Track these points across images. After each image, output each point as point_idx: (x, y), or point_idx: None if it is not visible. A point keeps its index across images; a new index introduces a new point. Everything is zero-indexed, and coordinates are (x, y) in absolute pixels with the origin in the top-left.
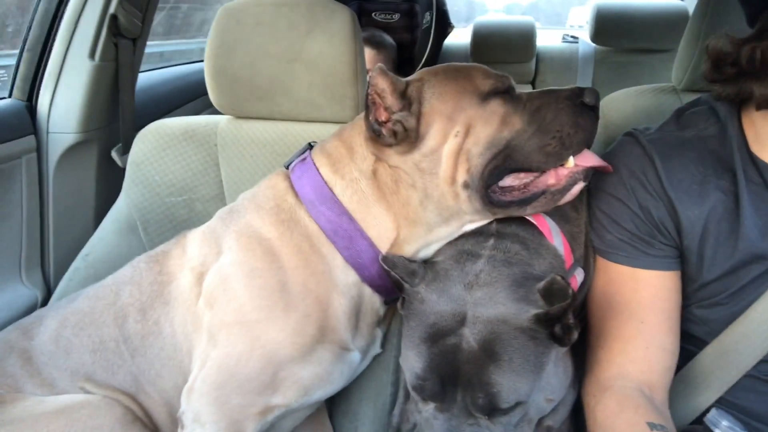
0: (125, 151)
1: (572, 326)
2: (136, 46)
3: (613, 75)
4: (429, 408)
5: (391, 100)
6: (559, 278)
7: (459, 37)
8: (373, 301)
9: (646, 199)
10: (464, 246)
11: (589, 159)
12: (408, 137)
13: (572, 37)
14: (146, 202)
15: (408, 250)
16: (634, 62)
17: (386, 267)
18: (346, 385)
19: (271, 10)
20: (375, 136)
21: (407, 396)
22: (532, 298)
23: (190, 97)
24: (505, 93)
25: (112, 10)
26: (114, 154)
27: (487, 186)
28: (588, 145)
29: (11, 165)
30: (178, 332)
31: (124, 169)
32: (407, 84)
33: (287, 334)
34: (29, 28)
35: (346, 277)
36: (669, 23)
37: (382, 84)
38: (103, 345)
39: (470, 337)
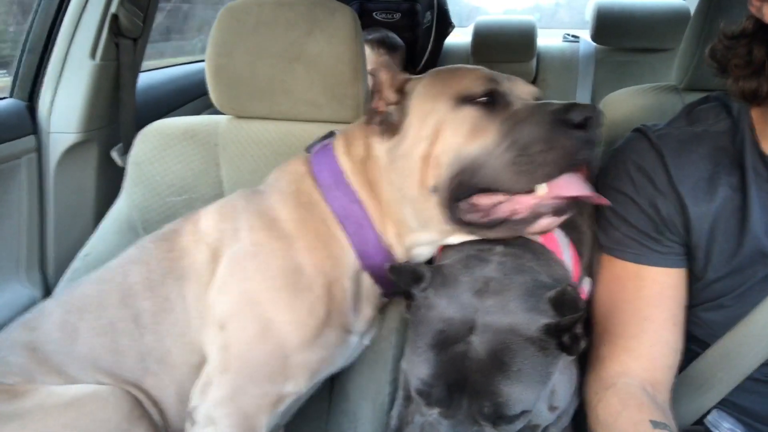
0: (125, 150)
1: (580, 336)
2: (137, 46)
3: (614, 74)
4: (433, 413)
5: (387, 93)
6: (570, 289)
7: (460, 37)
8: (373, 288)
9: (654, 195)
10: (471, 251)
11: (566, 188)
12: (393, 132)
13: (573, 36)
14: (147, 201)
15: (399, 247)
16: (635, 61)
17: (392, 276)
18: (345, 366)
19: (271, 9)
20: (369, 121)
21: (406, 398)
22: (542, 308)
23: (190, 97)
24: (486, 99)
25: (113, 9)
26: (114, 154)
27: (454, 199)
28: (567, 168)
29: (11, 165)
30: (190, 307)
31: (124, 169)
32: (407, 80)
33: (301, 315)
34: (30, 27)
35: (353, 262)
36: (670, 22)
37: (384, 76)
38: (111, 326)
39: (479, 345)
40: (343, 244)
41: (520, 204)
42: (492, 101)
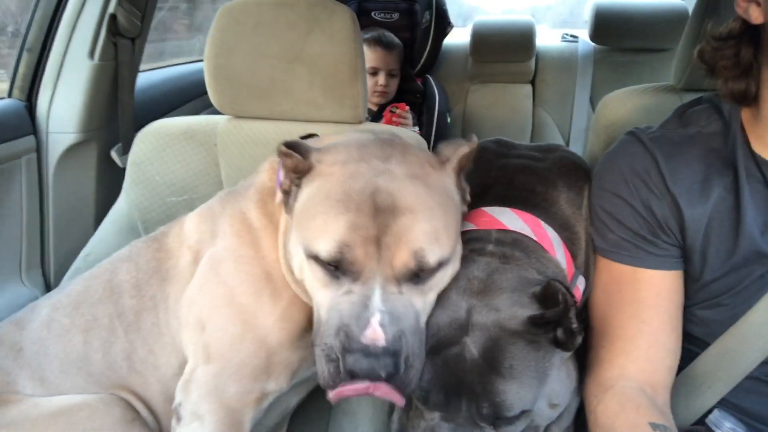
0: (125, 151)
1: (576, 331)
2: (136, 46)
3: (612, 74)
4: (434, 417)
5: (288, 174)
6: (554, 283)
7: (459, 37)
8: None
9: (649, 197)
10: (463, 252)
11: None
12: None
13: (572, 36)
14: (147, 202)
15: None
16: (634, 61)
17: None
18: None
19: (271, 9)
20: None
21: (407, 402)
22: (525, 302)
23: (189, 97)
24: (333, 266)
25: (111, 9)
26: (114, 154)
27: None
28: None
29: (11, 165)
30: (171, 309)
31: (124, 169)
32: (309, 167)
33: (276, 319)
34: (28, 27)
35: None
36: (669, 22)
37: (286, 161)
38: (95, 322)
39: (472, 345)
40: None
41: None
42: (337, 269)
